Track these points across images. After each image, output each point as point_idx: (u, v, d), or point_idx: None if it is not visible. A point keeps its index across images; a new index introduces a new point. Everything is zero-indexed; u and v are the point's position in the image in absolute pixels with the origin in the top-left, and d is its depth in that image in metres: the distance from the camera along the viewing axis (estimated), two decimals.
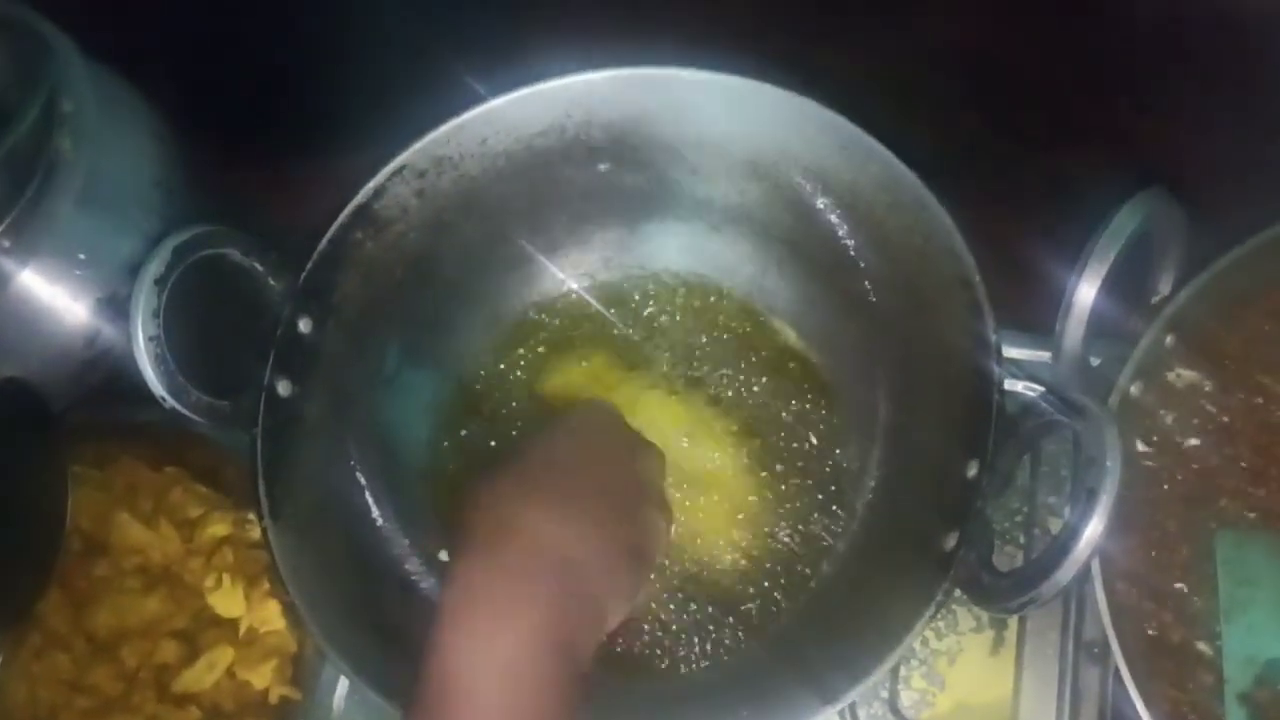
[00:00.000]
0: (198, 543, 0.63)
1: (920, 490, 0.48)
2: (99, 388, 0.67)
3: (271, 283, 0.51)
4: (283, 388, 0.50)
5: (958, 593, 0.49)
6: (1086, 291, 0.47)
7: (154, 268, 0.47)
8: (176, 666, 0.60)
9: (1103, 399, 0.49)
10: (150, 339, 0.46)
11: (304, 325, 0.51)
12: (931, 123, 0.66)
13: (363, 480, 0.52)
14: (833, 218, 0.52)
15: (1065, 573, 0.38)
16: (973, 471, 0.44)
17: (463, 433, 0.56)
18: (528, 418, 0.56)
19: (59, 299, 0.64)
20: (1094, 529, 0.38)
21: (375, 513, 0.53)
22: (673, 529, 0.48)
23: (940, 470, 0.46)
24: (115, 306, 0.66)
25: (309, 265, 0.51)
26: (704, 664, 0.52)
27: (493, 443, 0.55)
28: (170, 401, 0.46)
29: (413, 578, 0.53)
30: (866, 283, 0.52)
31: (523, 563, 0.38)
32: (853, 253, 0.52)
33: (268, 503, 0.47)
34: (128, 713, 0.59)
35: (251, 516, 0.63)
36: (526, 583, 0.38)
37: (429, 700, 0.36)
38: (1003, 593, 0.41)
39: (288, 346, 0.50)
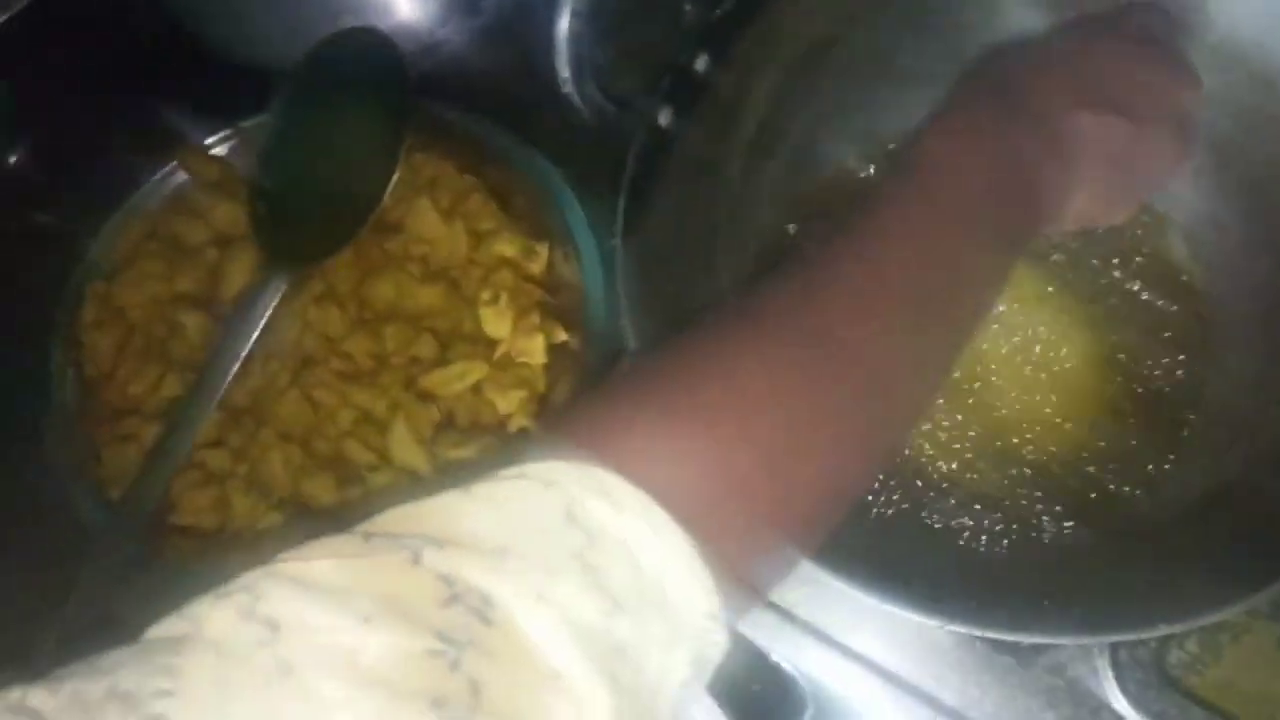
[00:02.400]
0: (482, 255, 0.62)
1: None
2: (423, 80, 0.65)
3: (687, 7, 0.48)
4: (663, 116, 0.47)
5: None
6: None
7: None
8: (428, 364, 0.60)
9: None
10: (575, 14, 0.43)
11: (700, 64, 0.48)
12: None
13: (708, 227, 0.50)
14: None
15: None
16: None
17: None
18: None
19: None
20: None
21: (718, 267, 0.50)
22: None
23: None
24: (468, 3, 0.65)
25: (724, 7, 0.48)
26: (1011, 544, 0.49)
27: None
28: (569, 85, 0.44)
29: None
30: None
31: (1011, 111, 0.42)
32: None
33: (623, 220, 0.45)
34: (374, 390, 0.59)
35: (538, 249, 0.62)
36: (1013, 123, 0.41)
37: (917, 173, 0.40)
38: None
39: (680, 78, 0.48)
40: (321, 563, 0.27)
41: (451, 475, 0.57)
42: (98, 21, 0.68)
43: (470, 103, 0.64)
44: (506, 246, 0.62)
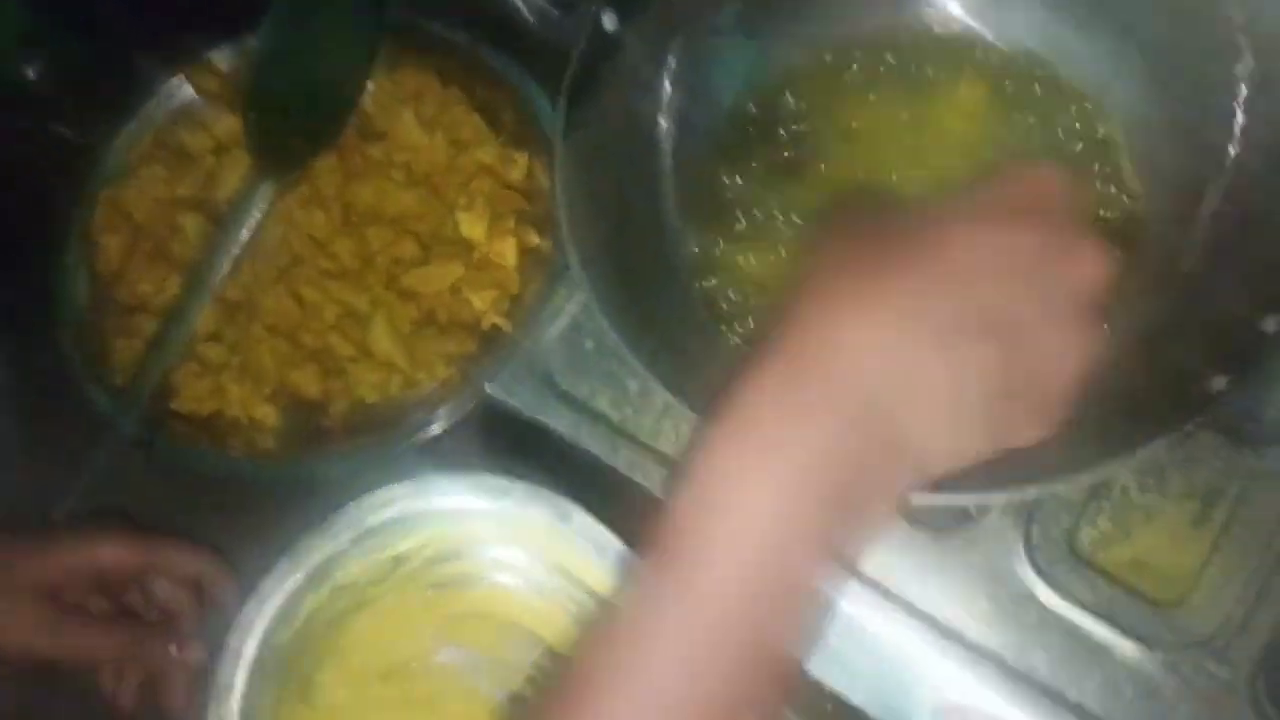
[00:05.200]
0: (462, 163, 0.65)
1: (1201, 330, 0.46)
2: None
3: None
4: (609, 21, 0.50)
5: (1180, 455, 0.47)
6: None
7: None
8: (409, 264, 0.63)
9: None
10: None
11: None
12: None
13: (656, 133, 0.53)
14: (1239, 50, 0.48)
15: None
16: (1271, 327, 0.42)
17: (755, 127, 0.56)
18: (813, 137, 0.55)
19: None
20: None
21: (661, 171, 0.53)
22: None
23: (1230, 318, 0.44)
24: None
25: None
26: None
27: (778, 144, 0.55)
28: None
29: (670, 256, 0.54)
30: (1236, 132, 0.48)
31: (825, 389, 0.30)
32: (1238, 99, 0.48)
33: (564, 122, 0.48)
34: (359, 288, 0.63)
35: (516, 157, 0.65)
36: (816, 414, 0.30)
37: (675, 536, 0.31)
38: (1263, 437, 0.39)
39: None
40: None
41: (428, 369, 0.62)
42: None
43: (457, 17, 0.67)
44: (485, 154, 0.65)
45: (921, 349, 0.31)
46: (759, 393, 0.31)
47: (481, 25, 0.66)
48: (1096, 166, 0.53)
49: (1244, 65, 0.48)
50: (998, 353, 0.32)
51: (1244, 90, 0.48)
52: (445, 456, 0.60)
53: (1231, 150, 0.49)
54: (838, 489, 0.31)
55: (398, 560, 0.57)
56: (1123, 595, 0.50)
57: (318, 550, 0.53)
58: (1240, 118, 0.48)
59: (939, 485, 0.35)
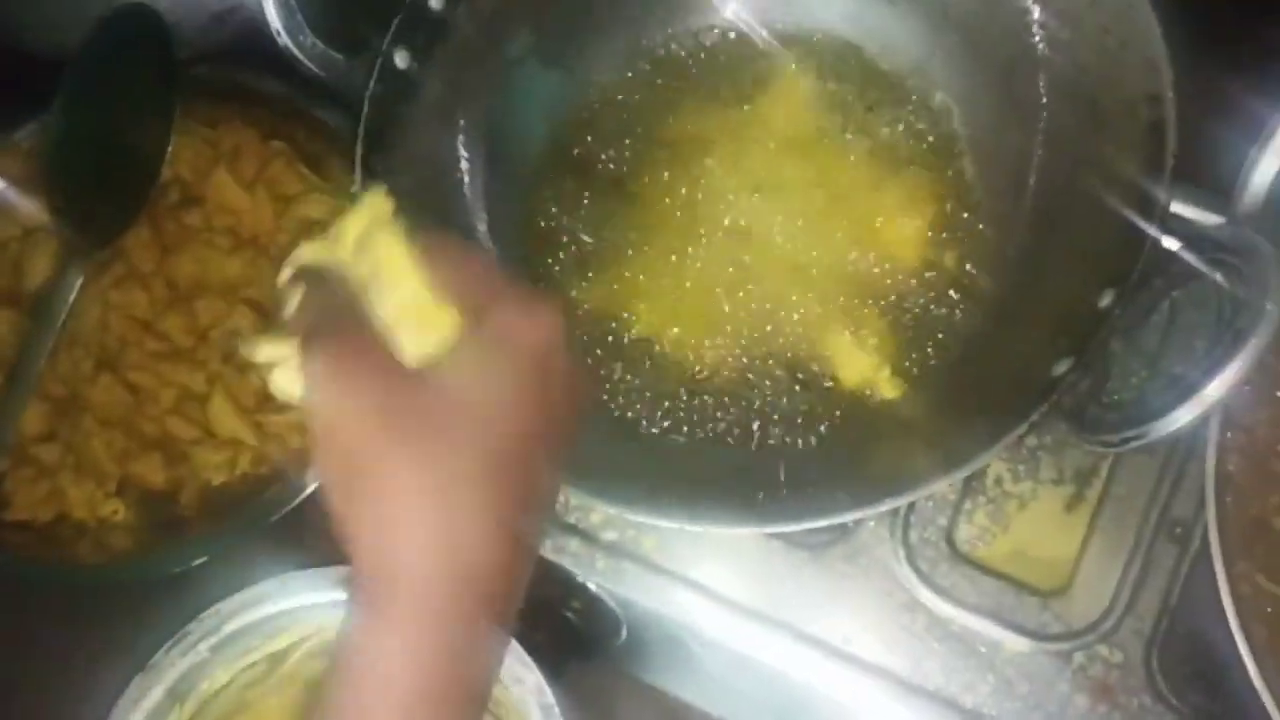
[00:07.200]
0: (288, 219, 0.62)
1: (1043, 312, 0.44)
2: (223, 47, 0.65)
3: None
4: (400, 59, 0.47)
5: (1049, 440, 0.46)
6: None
7: None
8: (250, 335, 0.60)
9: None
10: None
11: (435, 1, 0.48)
12: None
13: (465, 173, 0.50)
14: (1027, 6, 0.47)
15: (1185, 413, 0.35)
16: (1106, 301, 0.40)
17: (574, 151, 0.53)
18: (636, 153, 0.53)
19: None
20: (1232, 373, 0.34)
21: (473, 213, 0.50)
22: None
23: (1070, 296, 0.42)
24: None
25: None
26: (790, 438, 0.49)
27: (600, 164, 0.52)
28: (284, 39, 0.44)
29: None
30: (1042, 86, 0.47)
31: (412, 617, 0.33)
32: (1038, 51, 0.47)
33: (363, 171, 0.45)
34: (193, 366, 0.59)
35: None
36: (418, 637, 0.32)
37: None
38: (1108, 425, 0.37)
39: (414, 18, 0.48)
40: None
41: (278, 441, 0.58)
42: None
43: (280, 67, 0.64)
44: (314, 208, 0.62)
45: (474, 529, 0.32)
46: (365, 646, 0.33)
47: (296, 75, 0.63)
48: (928, 145, 0.51)
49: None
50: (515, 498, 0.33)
51: (1039, 35, 0.47)
52: (318, 522, 0.57)
53: (1043, 102, 0.48)
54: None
55: (274, 659, 0.54)
56: (1007, 589, 0.48)
57: (174, 665, 0.49)
58: (1042, 55, 0.47)
59: (808, 512, 0.35)
